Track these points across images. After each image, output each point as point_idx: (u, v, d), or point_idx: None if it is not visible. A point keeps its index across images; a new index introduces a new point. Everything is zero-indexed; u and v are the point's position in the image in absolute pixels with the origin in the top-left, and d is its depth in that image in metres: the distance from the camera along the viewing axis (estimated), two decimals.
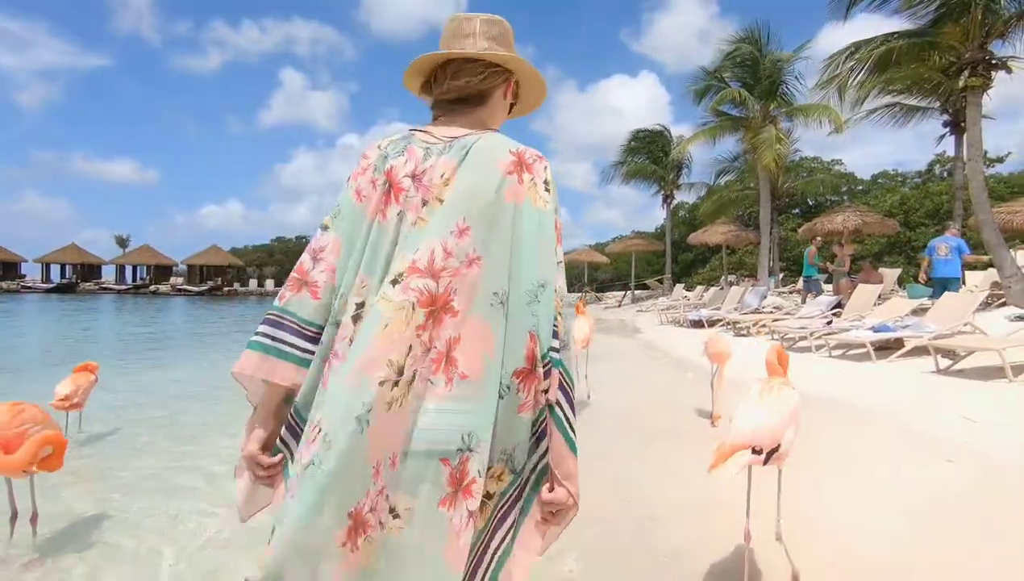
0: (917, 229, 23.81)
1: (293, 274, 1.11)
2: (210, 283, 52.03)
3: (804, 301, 12.69)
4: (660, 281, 26.63)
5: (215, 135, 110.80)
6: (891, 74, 10.86)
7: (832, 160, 30.17)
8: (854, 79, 10.60)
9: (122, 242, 60.85)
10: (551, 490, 1.04)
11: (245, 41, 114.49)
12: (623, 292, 28.92)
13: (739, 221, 26.07)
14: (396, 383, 0.94)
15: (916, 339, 7.16)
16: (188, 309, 27.48)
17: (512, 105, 1.26)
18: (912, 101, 15.61)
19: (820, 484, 3.25)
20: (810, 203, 29.62)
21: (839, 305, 10.89)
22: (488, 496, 0.99)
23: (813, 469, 3.42)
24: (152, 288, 50.39)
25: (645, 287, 28.76)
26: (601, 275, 43.37)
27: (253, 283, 54.51)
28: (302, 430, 1.03)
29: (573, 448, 1.04)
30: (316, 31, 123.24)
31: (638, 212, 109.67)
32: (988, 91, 10.14)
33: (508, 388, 0.99)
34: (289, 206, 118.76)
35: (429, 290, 0.97)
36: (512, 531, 1.03)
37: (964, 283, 10.71)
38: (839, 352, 8.11)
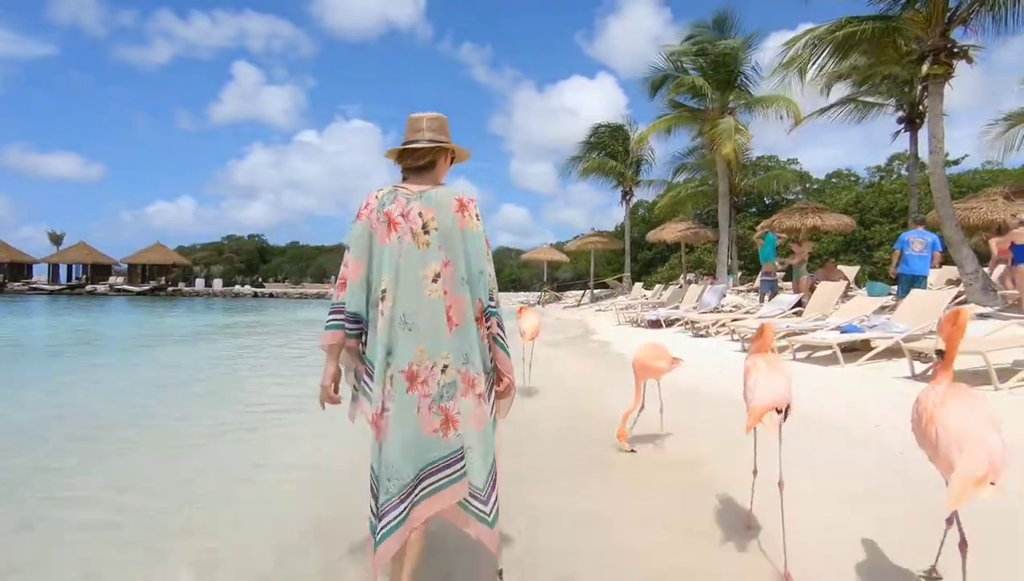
0: (872, 227, 23.92)
1: (340, 280, 2.02)
2: (153, 283, 49.11)
3: (761, 302, 12.17)
4: (619, 280, 26.10)
5: (164, 130, 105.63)
6: (853, 61, 10.37)
7: (788, 159, 30.28)
8: (814, 63, 10.04)
9: (56, 239, 56.91)
10: (499, 379, 2.08)
11: (195, 33, 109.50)
12: (582, 291, 28.32)
13: (697, 219, 25.77)
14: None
15: (886, 340, 6.57)
16: (116, 311, 25.47)
17: (452, 159, 2.16)
18: (869, 98, 15.41)
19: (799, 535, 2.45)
20: (767, 202, 29.63)
21: (800, 304, 10.37)
22: (480, 395, 1.96)
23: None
24: (89, 288, 47.15)
25: (605, 286, 28.22)
26: (562, 274, 42.82)
27: (200, 283, 51.58)
28: (372, 369, 1.92)
29: (508, 354, 2.06)
30: (271, 25, 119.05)
31: (599, 211, 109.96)
32: (950, 81, 9.75)
33: (475, 328, 1.97)
34: (244, 203, 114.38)
35: (445, 282, 1.94)
36: (493, 410, 2.05)
37: None
38: (804, 354, 7.49)
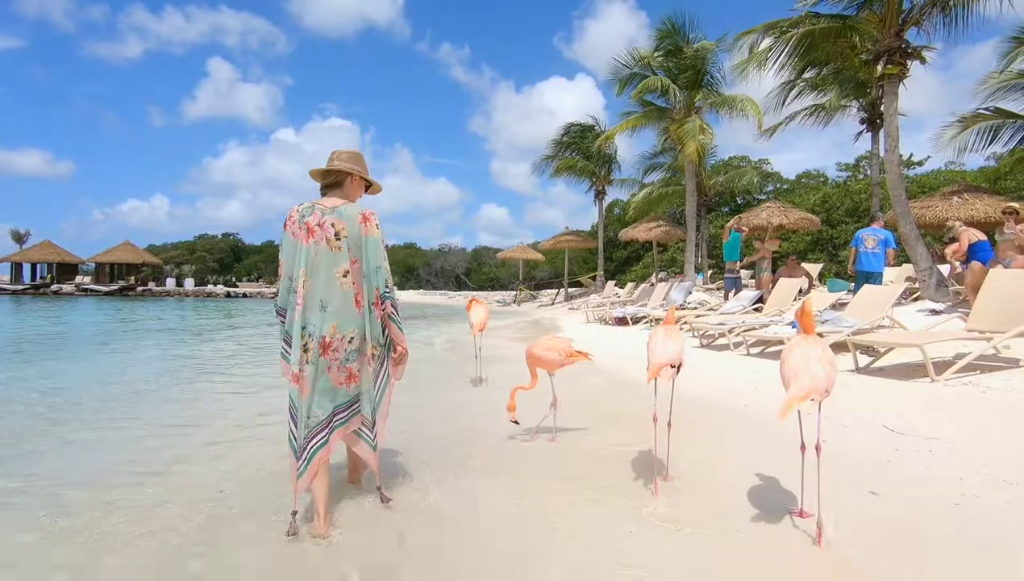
0: (838, 226, 24.36)
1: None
2: (121, 283, 47.85)
3: (726, 299, 12.27)
4: (593, 278, 26.18)
5: (136, 127, 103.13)
6: (812, 61, 10.50)
7: (760, 159, 30.68)
8: (775, 61, 10.14)
9: (19, 237, 55.14)
10: (395, 347, 2.77)
11: (168, 29, 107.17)
12: (556, 290, 28.35)
13: (671, 218, 25.97)
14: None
15: (835, 334, 6.63)
16: (76, 311, 24.74)
17: (369, 186, 2.86)
18: (831, 101, 15.65)
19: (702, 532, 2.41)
20: (739, 201, 29.99)
21: (761, 300, 10.47)
22: (374, 357, 2.64)
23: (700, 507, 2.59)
24: (54, 288, 45.76)
25: (579, 285, 28.28)
26: (540, 273, 42.85)
27: (171, 282, 50.38)
28: (291, 339, 2.52)
29: (401, 330, 2.74)
30: (246, 22, 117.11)
31: (579, 211, 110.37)
32: (904, 80, 9.93)
33: (372, 310, 2.61)
34: (220, 202, 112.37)
35: (352, 276, 2.56)
36: (387, 370, 2.76)
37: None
38: (758, 350, 7.53)
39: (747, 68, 10.88)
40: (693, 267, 17.25)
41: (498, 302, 30.93)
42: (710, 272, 20.47)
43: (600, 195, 24.46)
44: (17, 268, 48.44)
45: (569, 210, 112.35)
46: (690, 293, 13.34)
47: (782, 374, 2.43)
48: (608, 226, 33.48)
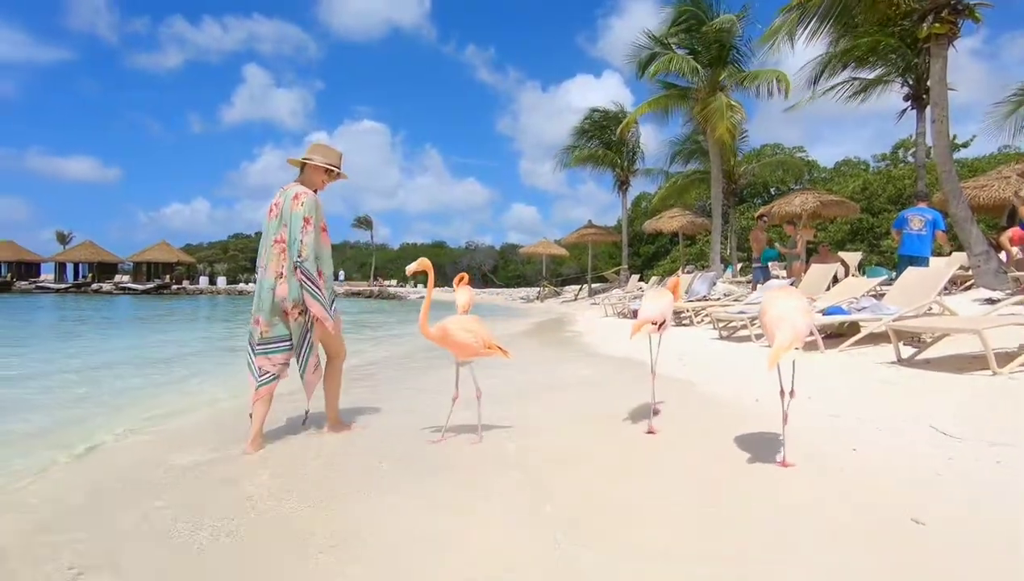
0: (880, 215, 22.79)
1: None
2: (157, 281, 49.06)
3: (753, 290, 11.34)
4: (617, 273, 25.25)
5: (177, 133, 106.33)
6: (848, 20, 9.45)
7: (795, 147, 28.99)
8: (805, 27, 9.17)
9: (63, 239, 57.23)
10: (306, 310, 3.23)
11: (206, 39, 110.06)
12: (579, 285, 27.53)
13: (698, 209, 24.81)
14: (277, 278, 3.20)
15: (874, 322, 5.76)
16: (108, 308, 25.15)
17: (337, 176, 3.44)
18: (870, 74, 14.39)
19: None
20: (772, 192, 28.53)
21: None
22: (296, 319, 3.23)
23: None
24: (94, 286, 47.23)
25: (604, 280, 27.37)
26: (566, 270, 42.02)
27: (204, 281, 51.47)
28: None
29: (313, 296, 3.17)
30: (279, 29, 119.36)
31: (607, 208, 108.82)
32: (953, 42, 8.86)
33: (292, 275, 3.16)
34: (257, 204, 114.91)
35: (281, 244, 3.20)
36: (312, 330, 3.30)
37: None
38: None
39: (776, 39, 9.93)
40: (719, 257, 16.22)
41: (522, 298, 30.28)
42: (740, 265, 19.33)
43: (623, 186, 23.49)
44: (60, 268, 50.21)
45: (598, 207, 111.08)
46: (715, 284, 12.40)
47: (763, 324, 2.57)
48: (635, 221, 32.41)
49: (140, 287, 47.15)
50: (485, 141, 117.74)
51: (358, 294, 41.34)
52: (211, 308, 25.30)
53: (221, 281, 51.36)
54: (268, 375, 3.17)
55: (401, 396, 4.57)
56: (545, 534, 2.03)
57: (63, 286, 47.18)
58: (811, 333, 5.94)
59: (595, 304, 20.18)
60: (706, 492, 2.41)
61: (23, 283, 46.93)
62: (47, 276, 49.89)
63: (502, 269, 56.28)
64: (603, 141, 22.77)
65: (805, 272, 10.08)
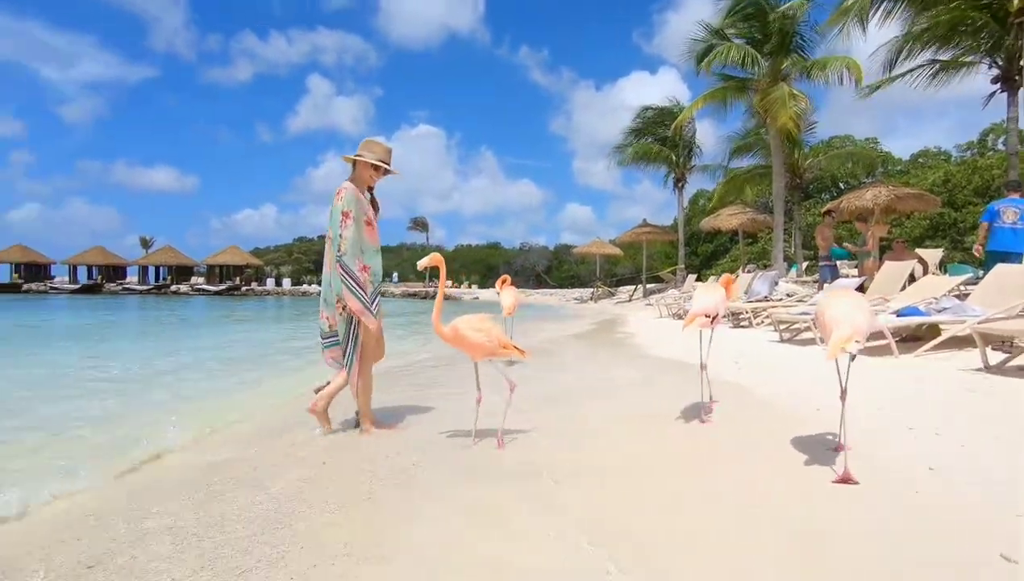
0: (964, 209, 21.03)
1: None
2: (228, 283, 51.94)
3: (820, 290, 10.66)
4: (673, 273, 24.51)
5: (247, 142, 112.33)
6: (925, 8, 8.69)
7: (867, 139, 27.11)
8: (878, 7, 8.50)
9: (146, 243, 61.46)
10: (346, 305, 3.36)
11: (272, 52, 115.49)
12: (634, 286, 26.91)
13: (760, 206, 23.71)
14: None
15: (956, 325, 5.24)
16: (185, 308, 26.73)
17: (386, 172, 3.47)
18: (951, 56, 13.23)
19: None
20: (841, 187, 26.89)
21: (862, 288, 8.88)
22: (340, 314, 3.36)
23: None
24: (173, 288, 50.52)
25: (659, 280, 26.67)
26: (620, 270, 41.30)
27: (271, 283, 54.10)
28: None
29: (351, 291, 3.26)
30: (341, 40, 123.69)
31: (664, 207, 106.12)
32: None
33: (335, 269, 3.30)
34: (320, 209, 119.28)
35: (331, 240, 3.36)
36: (357, 326, 3.37)
37: None
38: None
39: (846, 21, 9.26)
40: (782, 256, 15.40)
41: (575, 299, 29.95)
42: (805, 264, 18.30)
43: (680, 184, 22.77)
44: (143, 271, 53.98)
45: (654, 206, 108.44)
46: (776, 284, 11.77)
47: (822, 323, 2.53)
48: (692, 219, 31.39)
49: (213, 289, 50.06)
50: (539, 142, 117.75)
51: (413, 295, 42.13)
52: (278, 309, 26.40)
53: (286, 283, 53.71)
54: (337, 364, 3.42)
55: (447, 397, 4.51)
56: (591, 563, 1.87)
57: (146, 287, 50.71)
58: (883, 335, 5.47)
59: (649, 305, 19.65)
60: (761, 516, 2.18)
61: (111, 285, 50.76)
62: (132, 279, 53.70)
63: (556, 270, 56.04)
64: (658, 138, 22.15)
65: (878, 270, 9.38)
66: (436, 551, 1.94)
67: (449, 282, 51.98)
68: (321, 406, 3.39)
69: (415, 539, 2.04)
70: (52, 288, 48.35)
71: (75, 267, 52.12)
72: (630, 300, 24.01)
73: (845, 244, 11.76)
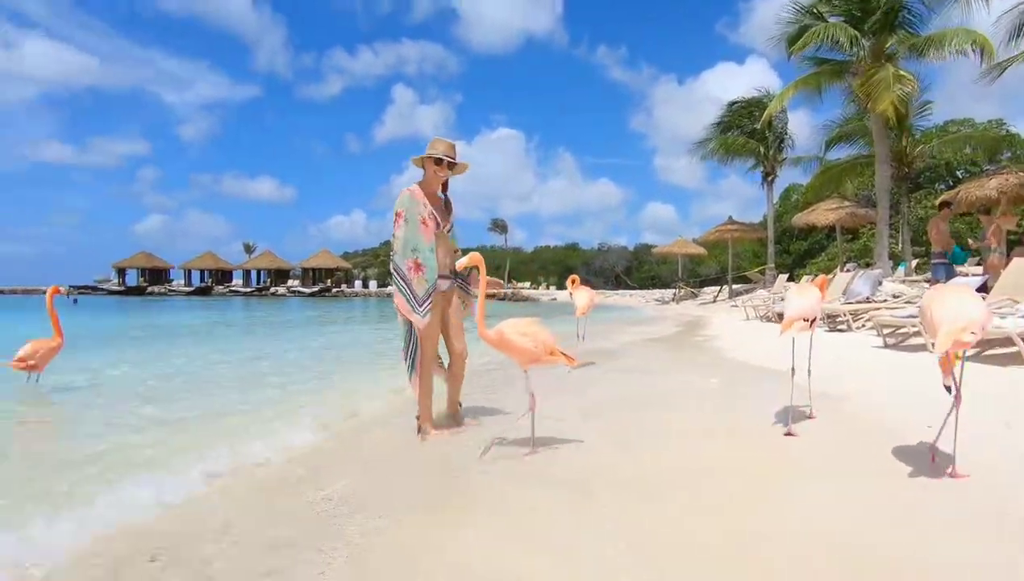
0: None
1: None
2: (320, 285, 55.28)
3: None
4: (762, 272, 23.10)
5: (338, 153, 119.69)
6: None
7: (991, 120, 23.93)
8: None
9: (249, 249, 66.54)
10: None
11: (360, 65, 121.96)
12: (719, 287, 25.65)
13: (862, 199, 21.77)
14: None
15: None
16: (279, 309, 28.56)
17: (450, 166, 3.42)
18: None
19: None
20: (959, 175, 24.08)
21: (984, 287, 7.84)
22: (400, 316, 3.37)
23: None
24: (272, 290, 54.50)
25: (746, 280, 25.25)
26: (705, 270, 39.64)
27: (359, 284, 57.06)
28: None
29: (399, 290, 3.24)
30: (423, 49, 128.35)
31: (752, 204, 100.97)
32: None
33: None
34: None
35: None
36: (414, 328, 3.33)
37: None
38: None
39: None
40: (887, 253, 14.00)
41: (656, 300, 29.05)
42: (915, 262, 16.53)
43: (769, 178, 21.40)
44: (246, 274, 58.57)
45: (741, 202, 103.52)
46: (880, 284, 10.68)
47: (927, 321, 2.34)
48: (783, 215, 29.45)
49: (307, 290, 53.47)
50: (618, 140, 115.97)
51: (492, 296, 42.71)
52: (364, 310, 27.62)
53: (372, 284, 56.28)
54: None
55: (507, 400, 4.40)
56: None
57: (248, 290, 55.08)
58: (1012, 342, 4.75)
59: (735, 306, 18.61)
60: (845, 555, 1.88)
61: (220, 287, 55.57)
62: (237, 282, 58.42)
63: (636, 270, 54.77)
64: (745, 130, 20.95)
65: (1004, 267, 8.24)
66: (471, 561, 1.82)
67: (527, 283, 52.28)
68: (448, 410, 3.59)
69: (449, 552, 1.93)
70: (171, 291, 53.64)
71: (189, 271, 57.44)
72: (714, 301, 22.91)
73: (969, 240, 10.46)
